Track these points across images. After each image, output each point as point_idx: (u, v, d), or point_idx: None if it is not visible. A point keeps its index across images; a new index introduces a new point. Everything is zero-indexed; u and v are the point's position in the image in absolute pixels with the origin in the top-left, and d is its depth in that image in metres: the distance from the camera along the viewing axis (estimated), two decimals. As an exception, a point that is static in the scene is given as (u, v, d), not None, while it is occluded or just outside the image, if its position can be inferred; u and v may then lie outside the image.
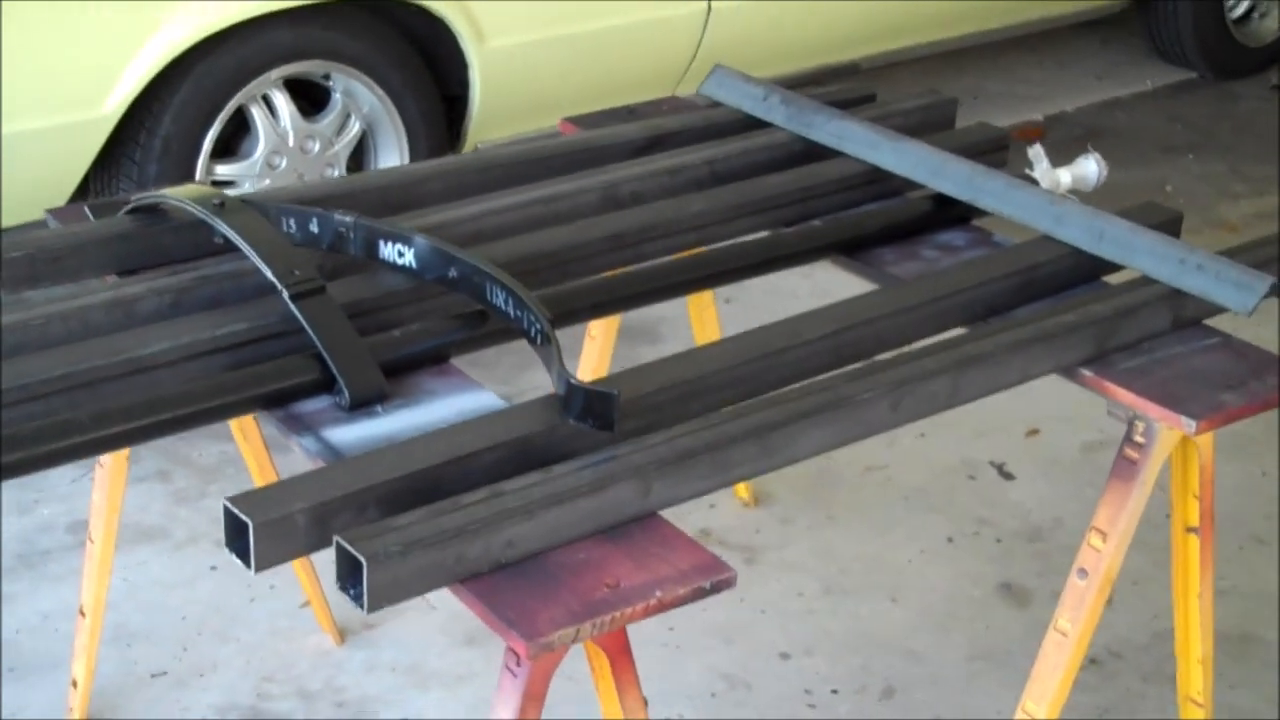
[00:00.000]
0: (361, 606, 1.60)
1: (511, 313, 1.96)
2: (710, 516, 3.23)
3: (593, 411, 1.80)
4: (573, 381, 1.80)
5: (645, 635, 2.87)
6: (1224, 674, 2.82)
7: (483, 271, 1.98)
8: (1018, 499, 3.34)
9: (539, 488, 1.70)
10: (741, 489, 3.27)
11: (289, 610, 2.90)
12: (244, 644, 2.83)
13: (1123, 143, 5.16)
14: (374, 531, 1.62)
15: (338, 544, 1.60)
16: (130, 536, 3.08)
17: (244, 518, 1.63)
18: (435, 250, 2.03)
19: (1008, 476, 3.43)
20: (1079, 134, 5.21)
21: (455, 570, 1.63)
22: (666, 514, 3.11)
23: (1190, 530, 2.29)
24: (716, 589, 1.69)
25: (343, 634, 2.85)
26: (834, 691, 2.78)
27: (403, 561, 1.59)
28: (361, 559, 1.57)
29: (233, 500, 1.65)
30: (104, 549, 2.51)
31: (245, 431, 2.63)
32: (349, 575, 1.61)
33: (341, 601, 2.82)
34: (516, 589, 1.64)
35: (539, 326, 1.90)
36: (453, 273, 2.02)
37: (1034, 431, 3.57)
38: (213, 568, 3.01)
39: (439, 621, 2.86)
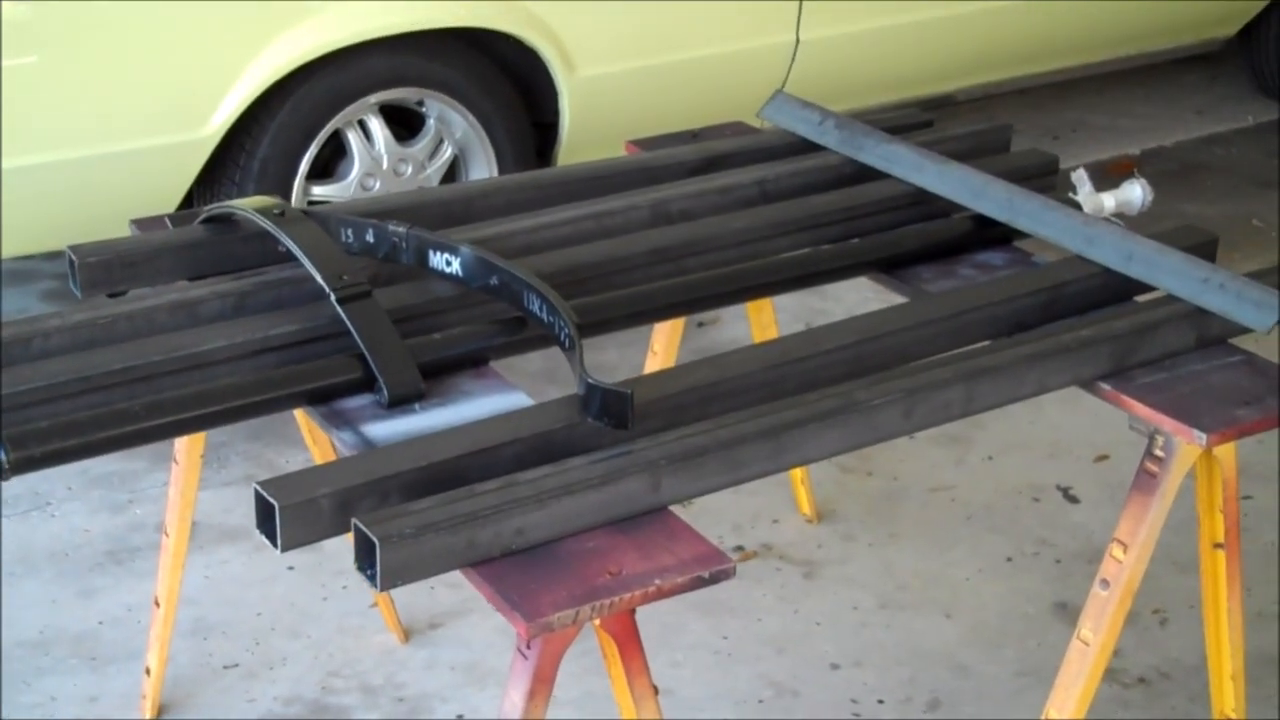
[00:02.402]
0: (375, 585, 1.70)
1: (545, 318, 2.06)
2: (773, 531, 3.31)
3: (609, 410, 1.89)
4: (591, 381, 1.90)
5: (697, 641, 2.96)
6: None
7: (520, 279, 2.09)
8: (1080, 521, 3.38)
9: (551, 479, 1.80)
10: (805, 505, 3.35)
11: (359, 610, 3.03)
12: (313, 640, 2.95)
13: (1217, 177, 5.17)
14: (390, 515, 1.73)
15: (355, 525, 1.71)
16: (215, 536, 3.23)
17: (272, 500, 1.74)
18: (479, 259, 2.14)
19: (1072, 500, 3.46)
20: (1174, 168, 5.23)
21: (466, 554, 1.73)
22: (725, 527, 3.23)
23: (1217, 546, 2.34)
24: (715, 579, 1.77)
25: (407, 633, 2.96)
26: (880, 702, 2.84)
27: (415, 543, 1.70)
28: (375, 540, 1.68)
29: (263, 484, 1.77)
30: (178, 542, 2.64)
31: (315, 436, 2.75)
32: (365, 556, 1.71)
33: (408, 603, 2.97)
34: (523, 574, 1.74)
35: (567, 331, 2.00)
36: (494, 281, 2.14)
37: (1103, 457, 3.61)
38: (290, 568, 3.14)
39: (500, 623, 2.96)
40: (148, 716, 2.76)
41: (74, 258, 2.24)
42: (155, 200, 3.42)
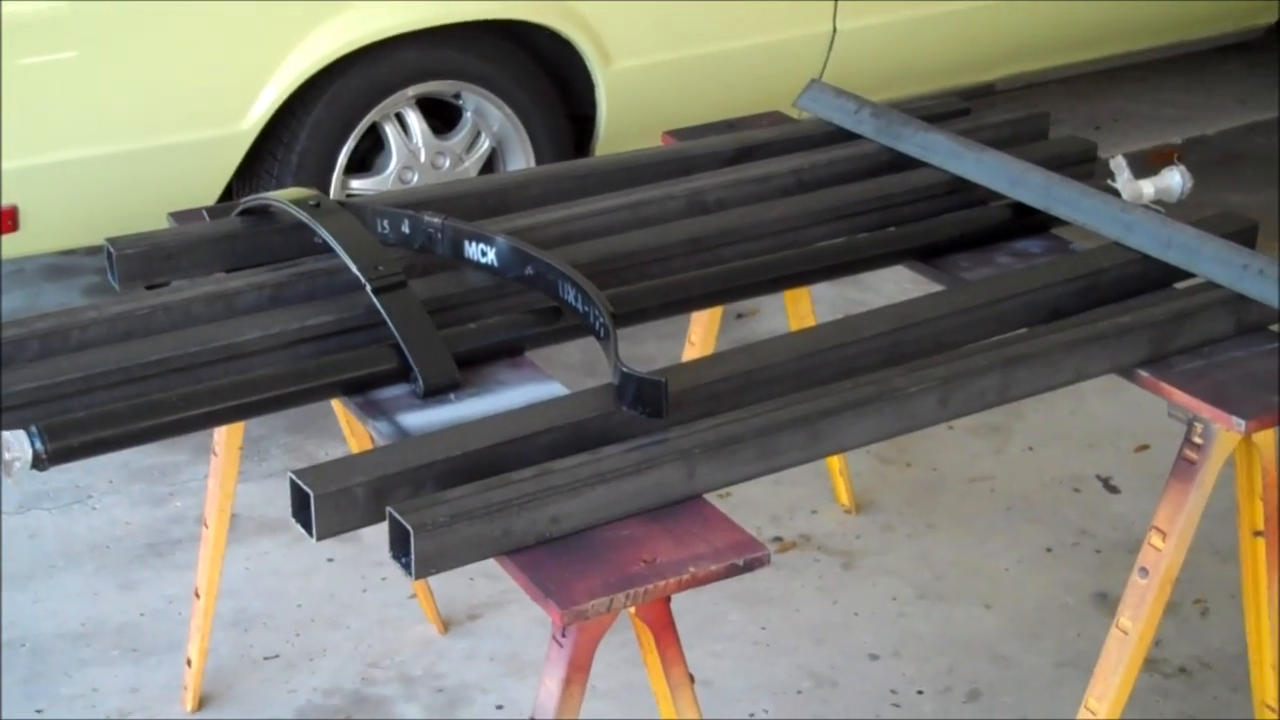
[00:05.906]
0: (410, 573, 1.71)
1: (580, 308, 2.07)
2: (812, 522, 3.30)
3: (644, 399, 1.89)
4: (626, 370, 1.90)
5: (736, 631, 2.96)
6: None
7: (555, 269, 2.09)
8: (1120, 512, 3.36)
9: (585, 467, 1.80)
10: (844, 496, 3.34)
11: (398, 601, 3.03)
12: (353, 631, 2.96)
13: (1258, 166, 5.14)
14: (425, 504, 1.73)
15: (390, 514, 1.72)
16: (255, 528, 3.24)
17: (307, 489, 1.75)
18: (514, 250, 2.15)
19: (1113, 490, 3.45)
20: (1216, 157, 5.19)
21: (501, 542, 1.74)
22: (764, 518, 3.22)
23: (1257, 534, 2.32)
24: (749, 567, 1.77)
25: (446, 624, 2.97)
26: (919, 692, 2.84)
27: (449, 532, 1.70)
28: (410, 528, 1.68)
29: (298, 473, 1.78)
30: (218, 534, 2.65)
31: (353, 429, 2.76)
32: (399, 544, 1.71)
33: (447, 594, 2.98)
34: (558, 562, 1.74)
35: (602, 320, 2.00)
36: (529, 271, 2.14)
37: (1144, 447, 3.59)
38: (330, 560, 3.15)
39: (539, 614, 2.95)
40: (189, 707, 2.77)
41: (112, 250, 2.25)
42: (194, 194, 3.43)
